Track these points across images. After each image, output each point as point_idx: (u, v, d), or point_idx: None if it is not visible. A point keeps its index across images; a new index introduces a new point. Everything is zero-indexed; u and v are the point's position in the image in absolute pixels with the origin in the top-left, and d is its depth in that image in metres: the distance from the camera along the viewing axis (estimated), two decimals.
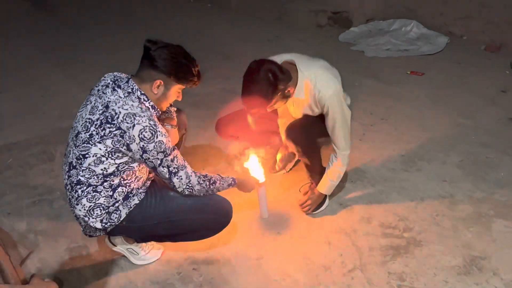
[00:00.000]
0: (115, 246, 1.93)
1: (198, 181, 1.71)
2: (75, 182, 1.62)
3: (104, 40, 5.12)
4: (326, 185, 2.13)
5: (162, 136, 1.58)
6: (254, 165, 2.15)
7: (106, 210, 1.65)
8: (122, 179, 1.64)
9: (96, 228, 1.68)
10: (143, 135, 1.54)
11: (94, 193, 1.62)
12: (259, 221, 2.17)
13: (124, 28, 5.51)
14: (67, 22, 5.96)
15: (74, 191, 1.63)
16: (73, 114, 1.74)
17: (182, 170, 1.66)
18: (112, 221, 1.67)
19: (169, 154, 1.62)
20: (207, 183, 1.75)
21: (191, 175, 1.69)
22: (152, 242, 1.98)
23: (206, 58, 3.89)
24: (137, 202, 1.70)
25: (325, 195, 2.20)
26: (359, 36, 4.56)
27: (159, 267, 1.94)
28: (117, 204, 1.66)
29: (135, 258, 1.95)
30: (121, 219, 1.68)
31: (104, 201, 1.63)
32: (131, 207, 1.69)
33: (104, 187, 1.62)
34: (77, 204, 1.63)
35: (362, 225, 2.08)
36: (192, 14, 6.07)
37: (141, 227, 1.75)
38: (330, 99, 1.89)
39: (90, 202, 1.62)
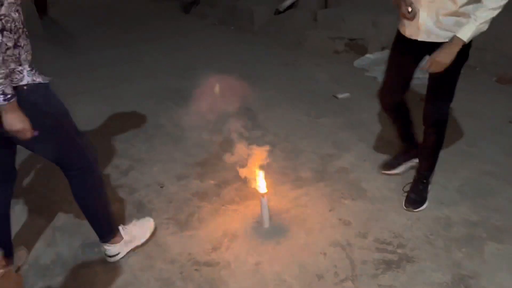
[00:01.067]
0: (118, 254, 2.12)
1: None
2: None
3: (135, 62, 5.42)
4: (471, 29, 1.86)
5: None
6: (259, 177, 2.29)
7: None
8: None
9: None
10: None
11: None
12: (260, 230, 2.29)
13: (154, 51, 5.81)
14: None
15: None
16: None
17: None
18: None
19: None
20: None
21: None
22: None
23: (226, 76, 4.09)
24: None
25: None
26: (374, 63, 4.70)
27: (164, 266, 2.08)
28: None
29: (138, 240, 2.19)
30: None
31: None
32: None
33: None
34: None
35: (357, 240, 2.18)
36: (218, 36, 6.36)
37: None
38: None
39: None
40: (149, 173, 2.90)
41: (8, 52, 1.49)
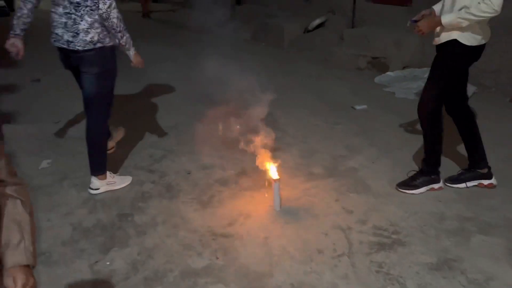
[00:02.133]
0: (98, 189, 2.75)
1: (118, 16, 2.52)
2: None
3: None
4: (450, 16, 2.34)
5: None
6: (272, 167, 2.62)
7: None
8: None
9: None
10: None
11: None
12: (272, 211, 2.60)
13: (189, 58, 6.30)
14: None
15: None
16: None
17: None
18: None
19: None
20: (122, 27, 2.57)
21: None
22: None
23: (252, 84, 4.46)
24: None
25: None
26: (394, 80, 4.98)
27: (186, 234, 2.41)
28: None
29: (116, 186, 2.84)
30: None
31: None
32: None
33: None
34: None
35: (357, 225, 2.45)
36: (249, 49, 6.79)
37: None
38: None
39: None
40: (178, 162, 3.27)
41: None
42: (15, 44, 2.69)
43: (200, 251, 2.29)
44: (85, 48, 2.58)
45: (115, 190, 2.85)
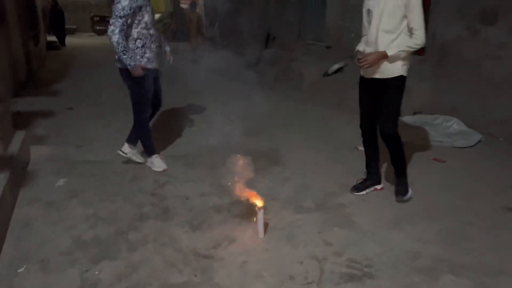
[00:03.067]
0: (126, 154, 3.93)
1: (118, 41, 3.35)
2: None
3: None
4: (393, 49, 2.89)
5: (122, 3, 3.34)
6: (259, 199, 2.81)
7: None
8: None
9: None
10: None
11: None
12: (256, 238, 2.76)
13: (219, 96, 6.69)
14: None
15: None
16: None
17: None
18: None
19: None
20: (120, 50, 3.39)
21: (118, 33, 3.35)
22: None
23: (267, 122, 4.73)
24: None
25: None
26: (404, 125, 5.09)
27: (172, 253, 2.61)
28: None
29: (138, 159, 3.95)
30: None
31: None
32: None
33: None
34: None
35: (333, 257, 2.57)
36: (272, 90, 7.14)
37: None
38: None
39: None
40: (180, 188, 3.52)
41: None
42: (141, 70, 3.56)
43: (181, 268, 2.47)
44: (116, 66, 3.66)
45: (136, 162, 3.94)
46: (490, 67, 4.65)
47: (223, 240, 2.75)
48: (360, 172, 3.81)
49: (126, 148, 3.92)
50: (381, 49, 2.93)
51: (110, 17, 3.44)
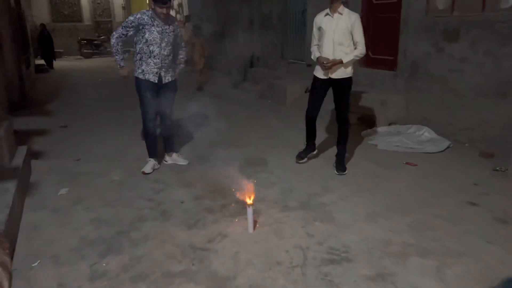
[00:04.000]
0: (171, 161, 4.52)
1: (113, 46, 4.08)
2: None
3: None
4: (346, 58, 3.98)
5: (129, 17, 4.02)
6: (249, 196, 3.13)
7: None
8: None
9: None
10: None
11: None
12: (246, 233, 3.07)
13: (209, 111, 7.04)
14: None
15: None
16: None
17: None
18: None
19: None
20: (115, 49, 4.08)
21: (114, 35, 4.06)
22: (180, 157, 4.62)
23: (253, 135, 5.07)
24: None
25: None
26: (380, 135, 5.50)
27: (171, 247, 2.90)
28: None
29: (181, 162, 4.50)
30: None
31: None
32: None
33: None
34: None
35: (315, 246, 2.89)
36: (257, 105, 7.51)
37: None
38: (357, 17, 3.98)
39: None
40: (175, 194, 3.82)
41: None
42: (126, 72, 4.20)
43: (180, 259, 2.76)
44: None
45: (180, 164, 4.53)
46: (455, 79, 5.11)
47: (216, 235, 3.06)
48: (339, 176, 4.18)
49: (167, 158, 4.58)
50: (338, 57, 4.00)
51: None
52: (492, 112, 4.71)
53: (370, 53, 6.57)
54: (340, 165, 4.28)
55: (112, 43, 4.06)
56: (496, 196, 3.65)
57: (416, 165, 4.45)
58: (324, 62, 4.02)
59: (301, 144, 5.25)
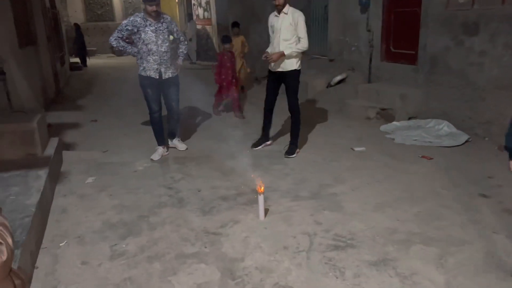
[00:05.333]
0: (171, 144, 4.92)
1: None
2: None
3: None
4: (287, 50, 4.35)
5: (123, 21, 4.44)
6: (261, 184, 3.28)
7: None
8: None
9: None
10: None
11: None
12: (257, 220, 3.23)
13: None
14: None
15: None
16: None
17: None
18: None
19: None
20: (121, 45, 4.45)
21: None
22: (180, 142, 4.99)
23: (277, 129, 5.21)
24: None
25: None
26: (398, 129, 5.52)
27: (186, 231, 3.09)
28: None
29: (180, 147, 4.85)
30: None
31: None
32: None
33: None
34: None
35: (322, 232, 3.02)
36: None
37: None
38: (300, 15, 4.37)
39: None
40: (193, 183, 4.02)
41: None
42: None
43: (194, 242, 2.95)
44: None
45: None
46: (474, 73, 5.07)
47: (229, 221, 3.23)
48: (353, 168, 4.27)
49: (169, 142, 4.95)
50: (281, 50, 4.38)
51: (127, 38, 4.43)
52: (510, 105, 4.66)
53: (391, 48, 6.58)
54: (290, 150, 4.66)
55: (113, 45, 4.44)
56: (509, 189, 3.65)
57: (431, 158, 4.47)
58: (266, 55, 4.47)
59: (317, 138, 5.36)
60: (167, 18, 4.48)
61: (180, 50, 4.72)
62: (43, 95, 7.23)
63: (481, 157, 4.46)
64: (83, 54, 15.13)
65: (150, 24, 4.34)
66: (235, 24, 7.86)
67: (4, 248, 1.02)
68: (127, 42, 4.46)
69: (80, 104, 8.15)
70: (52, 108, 7.51)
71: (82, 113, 7.35)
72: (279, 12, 4.43)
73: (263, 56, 4.48)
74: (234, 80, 6.62)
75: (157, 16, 4.34)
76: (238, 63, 7.46)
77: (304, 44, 4.39)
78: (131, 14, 22.49)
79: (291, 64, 4.47)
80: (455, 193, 3.62)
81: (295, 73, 4.52)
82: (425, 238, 2.91)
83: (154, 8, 4.24)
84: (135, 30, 4.35)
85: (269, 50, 4.57)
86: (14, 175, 3.57)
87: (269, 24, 4.59)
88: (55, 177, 4.01)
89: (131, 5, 21.13)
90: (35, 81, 6.71)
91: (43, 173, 3.63)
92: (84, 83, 11.18)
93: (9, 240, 1.04)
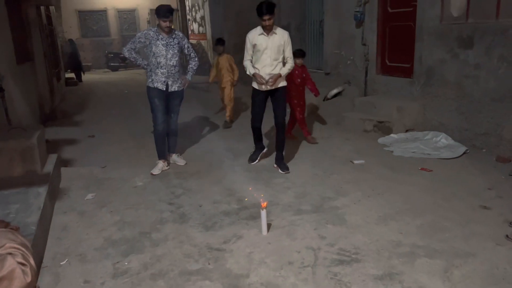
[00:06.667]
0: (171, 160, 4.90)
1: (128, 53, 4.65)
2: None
3: None
4: (283, 71, 4.53)
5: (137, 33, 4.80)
6: (263, 200, 3.27)
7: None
8: None
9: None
10: None
11: None
12: (260, 235, 3.21)
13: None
14: None
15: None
16: None
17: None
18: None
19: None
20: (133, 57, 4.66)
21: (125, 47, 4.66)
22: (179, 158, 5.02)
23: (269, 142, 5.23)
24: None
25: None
26: (396, 141, 5.55)
27: (189, 247, 3.06)
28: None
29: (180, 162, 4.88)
30: None
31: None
32: None
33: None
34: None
35: (326, 247, 3.00)
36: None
37: None
38: (288, 36, 4.52)
39: None
40: (194, 198, 4.00)
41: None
42: None
43: (197, 259, 2.93)
44: None
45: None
46: (470, 85, 5.13)
47: (232, 237, 3.21)
48: (353, 181, 4.28)
49: (168, 158, 4.94)
50: (275, 71, 4.50)
51: (122, 53, 4.71)
52: (508, 117, 4.71)
53: (387, 61, 6.66)
54: (282, 165, 4.67)
55: (127, 56, 4.62)
56: (510, 200, 3.67)
57: (431, 170, 4.49)
58: (267, 79, 4.47)
59: (316, 151, 5.38)
60: (178, 35, 4.67)
61: (190, 65, 4.83)
62: (40, 111, 7.21)
63: (480, 169, 4.49)
64: (78, 69, 15.14)
65: (161, 38, 4.52)
66: (219, 42, 6.94)
67: (28, 270, 1.01)
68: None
69: (76, 120, 8.13)
70: (49, 124, 7.48)
71: (79, 129, 7.33)
72: (268, 32, 4.45)
73: (267, 82, 4.46)
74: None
75: (170, 31, 4.54)
76: (227, 89, 6.90)
77: (292, 64, 4.59)
78: (126, 30, 22.41)
79: (281, 81, 4.61)
80: (456, 204, 3.63)
81: (284, 88, 4.67)
82: (429, 250, 2.91)
83: (167, 23, 4.44)
84: (147, 43, 4.53)
85: (257, 69, 4.52)
86: (14, 192, 3.54)
87: (251, 42, 4.49)
88: (54, 194, 3.98)
89: (125, 21, 21.25)
90: (32, 97, 6.70)
91: (43, 190, 3.60)
92: (80, 98, 11.16)
93: (32, 262, 1.04)
